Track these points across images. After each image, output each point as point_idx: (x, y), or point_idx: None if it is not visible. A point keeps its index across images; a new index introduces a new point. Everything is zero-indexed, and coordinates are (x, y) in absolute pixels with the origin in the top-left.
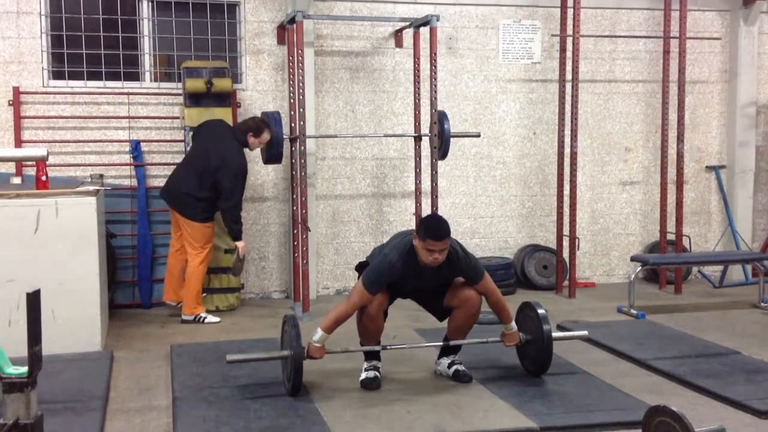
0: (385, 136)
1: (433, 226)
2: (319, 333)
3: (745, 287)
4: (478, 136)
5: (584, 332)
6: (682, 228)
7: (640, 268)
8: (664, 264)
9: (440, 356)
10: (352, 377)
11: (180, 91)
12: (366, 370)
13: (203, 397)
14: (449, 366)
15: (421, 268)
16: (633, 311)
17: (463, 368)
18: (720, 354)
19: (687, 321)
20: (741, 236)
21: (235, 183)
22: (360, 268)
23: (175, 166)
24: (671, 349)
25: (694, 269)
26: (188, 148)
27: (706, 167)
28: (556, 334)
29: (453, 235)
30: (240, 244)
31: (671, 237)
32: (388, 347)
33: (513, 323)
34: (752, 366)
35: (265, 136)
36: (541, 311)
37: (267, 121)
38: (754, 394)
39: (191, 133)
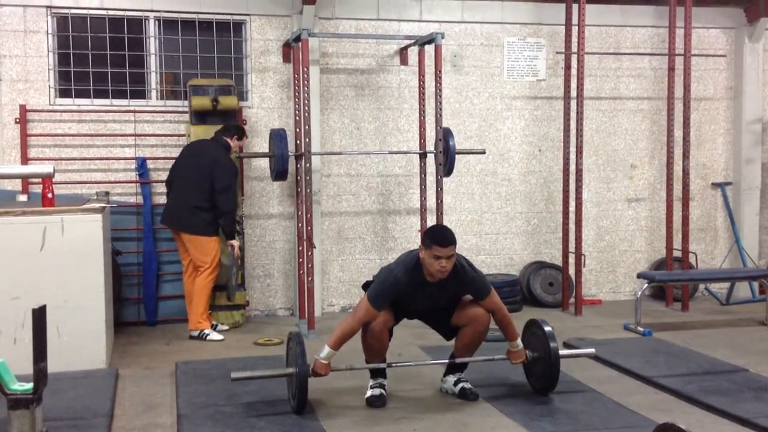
0: (390, 153)
1: (438, 233)
2: (326, 350)
3: (752, 304)
4: (483, 152)
5: (591, 350)
6: (689, 245)
7: (646, 285)
8: (671, 281)
9: (446, 374)
10: (357, 395)
11: (186, 109)
12: (372, 387)
13: (208, 414)
14: (455, 384)
15: (428, 284)
16: (640, 328)
17: (470, 386)
18: (727, 371)
19: (694, 338)
20: (747, 253)
21: (230, 179)
22: (366, 287)
23: (169, 194)
24: (678, 367)
25: (701, 286)
26: (175, 171)
27: (712, 184)
28: (563, 351)
29: (458, 251)
30: (235, 242)
31: (677, 254)
32: (394, 365)
33: (519, 340)
34: (760, 383)
35: (244, 141)
36: (547, 329)
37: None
38: (762, 412)
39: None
